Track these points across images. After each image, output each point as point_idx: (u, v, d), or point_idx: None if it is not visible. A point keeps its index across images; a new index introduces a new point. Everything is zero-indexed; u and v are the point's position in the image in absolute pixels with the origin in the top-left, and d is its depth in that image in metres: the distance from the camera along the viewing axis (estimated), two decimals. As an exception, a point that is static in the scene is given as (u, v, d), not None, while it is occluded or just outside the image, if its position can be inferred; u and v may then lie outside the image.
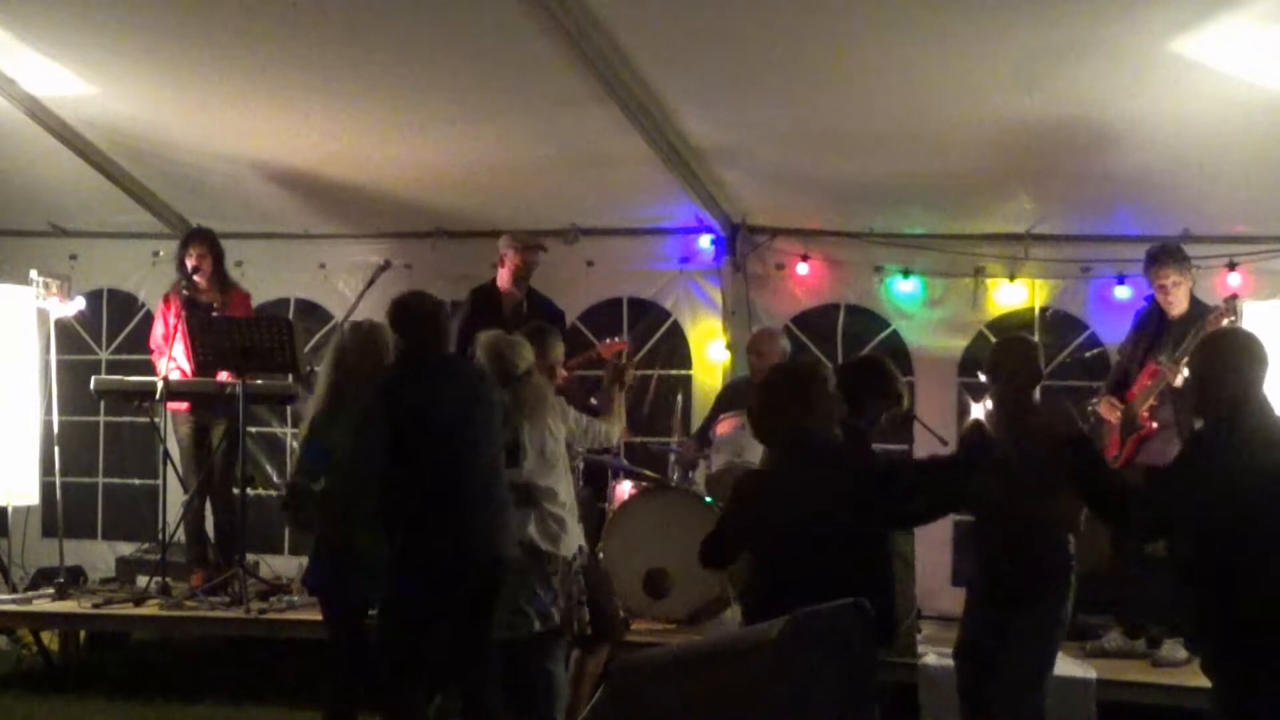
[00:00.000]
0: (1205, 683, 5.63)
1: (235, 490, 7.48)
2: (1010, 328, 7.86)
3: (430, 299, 5.42)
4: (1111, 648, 6.48)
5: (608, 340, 7.53)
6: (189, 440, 7.78)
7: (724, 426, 7.15)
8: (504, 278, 7.55)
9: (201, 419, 7.73)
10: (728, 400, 7.55)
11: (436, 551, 5.04)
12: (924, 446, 7.25)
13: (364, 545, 5.25)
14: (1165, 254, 6.61)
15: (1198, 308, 6.56)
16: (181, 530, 7.76)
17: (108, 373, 8.50)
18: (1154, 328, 6.70)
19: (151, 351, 7.90)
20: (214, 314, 7.64)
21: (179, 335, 7.57)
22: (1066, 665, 5.84)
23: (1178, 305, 6.57)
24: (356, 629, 5.44)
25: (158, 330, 7.83)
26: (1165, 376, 6.33)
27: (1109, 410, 6.65)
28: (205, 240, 7.80)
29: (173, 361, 7.57)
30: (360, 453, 5.16)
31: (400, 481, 5.07)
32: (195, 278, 7.70)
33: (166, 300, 7.85)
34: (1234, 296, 6.55)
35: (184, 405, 7.73)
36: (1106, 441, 6.63)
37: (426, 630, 5.07)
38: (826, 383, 4.79)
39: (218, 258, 7.81)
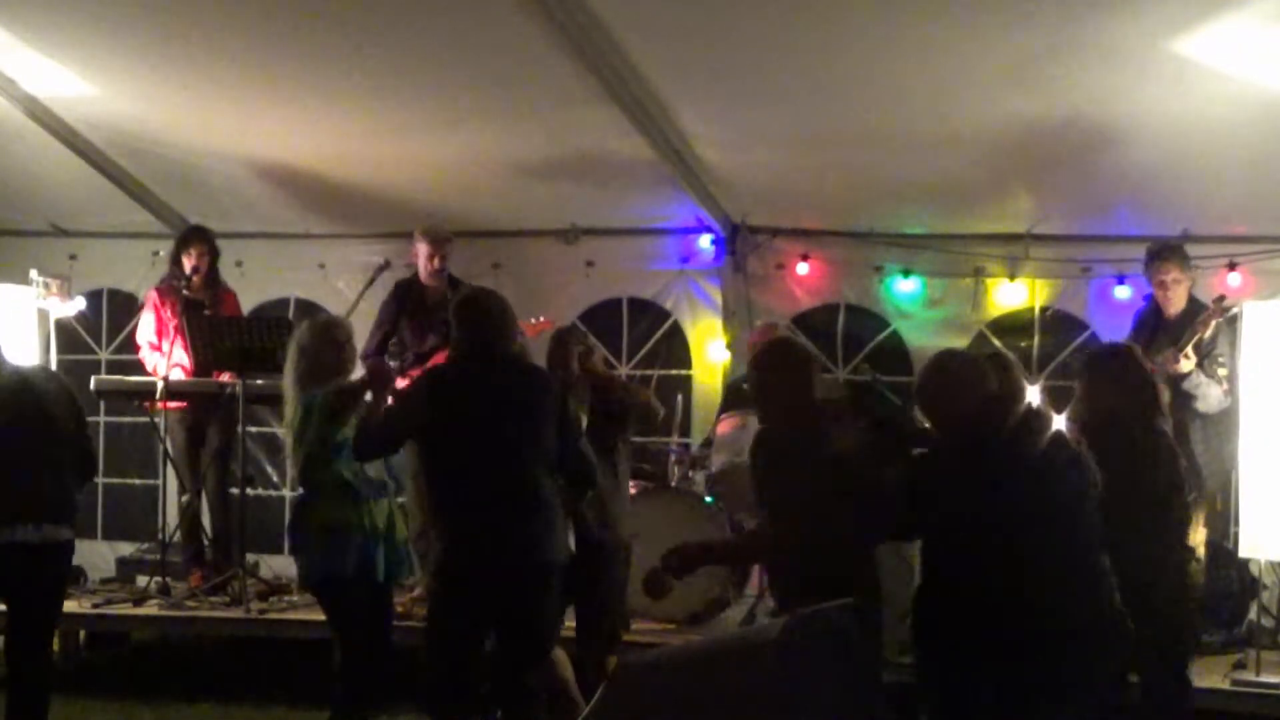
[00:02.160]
0: (1205, 683, 5.65)
1: (234, 490, 7.48)
2: (1010, 328, 7.88)
3: (497, 297, 5.33)
4: None
5: (532, 320, 7.25)
6: (183, 439, 7.76)
7: (724, 426, 7.15)
8: (421, 271, 7.46)
9: (196, 417, 7.72)
10: (729, 400, 7.55)
11: (471, 553, 4.95)
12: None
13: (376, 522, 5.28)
14: (1168, 250, 6.65)
15: (1195, 307, 6.58)
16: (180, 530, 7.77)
17: (108, 373, 8.49)
18: (1150, 327, 6.72)
19: (137, 347, 7.88)
20: (205, 313, 7.62)
21: (178, 335, 7.55)
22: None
23: (1176, 303, 6.59)
24: (371, 620, 5.39)
25: (148, 325, 7.78)
26: (1167, 366, 6.34)
27: None
28: (205, 240, 7.78)
29: (169, 361, 7.56)
30: (388, 419, 5.15)
31: (438, 478, 5.05)
32: (194, 278, 7.68)
33: (160, 296, 7.81)
34: (1222, 297, 6.56)
35: (181, 404, 7.72)
36: None
37: (468, 634, 4.98)
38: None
39: (215, 258, 7.80)
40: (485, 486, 4.94)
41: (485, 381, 5.06)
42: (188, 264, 7.68)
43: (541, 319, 7.31)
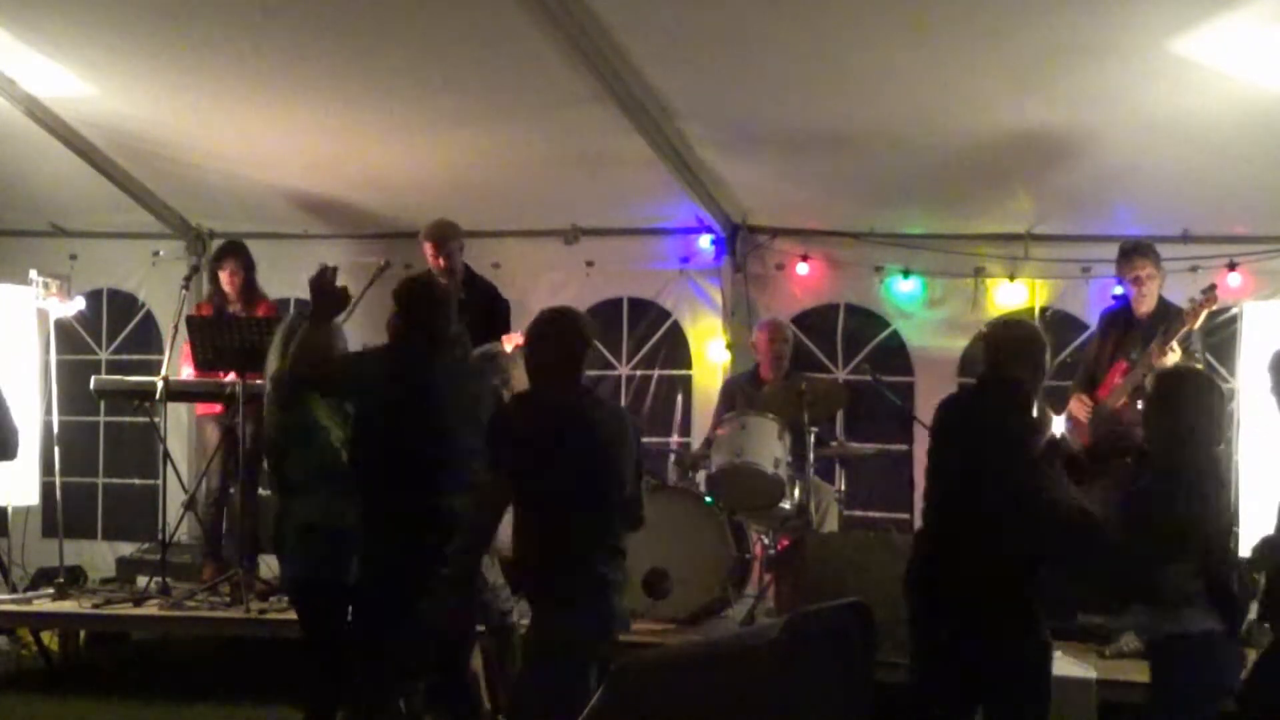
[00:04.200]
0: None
1: (232, 490, 7.48)
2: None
3: (440, 286, 5.46)
4: (1129, 650, 6.45)
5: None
6: (219, 440, 7.73)
7: (724, 428, 7.15)
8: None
9: (230, 421, 7.68)
10: (728, 401, 7.55)
11: (393, 538, 4.97)
12: (924, 447, 7.24)
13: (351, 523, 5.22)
14: (1143, 246, 6.66)
15: (1165, 306, 6.60)
16: (183, 530, 7.76)
17: (108, 373, 8.50)
18: (1121, 326, 6.74)
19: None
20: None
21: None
22: (1066, 665, 5.82)
23: (1148, 300, 6.60)
24: (340, 621, 5.34)
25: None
26: (1151, 361, 6.34)
27: (1079, 408, 6.67)
28: (239, 256, 7.77)
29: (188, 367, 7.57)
30: (344, 365, 5.18)
31: (366, 460, 5.04)
32: (227, 290, 7.69)
33: (199, 310, 7.84)
34: (1213, 286, 6.57)
35: (216, 408, 7.70)
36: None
37: (390, 621, 4.98)
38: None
39: (249, 270, 7.80)
40: (414, 471, 4.94)
41: (428, 368, 5.08)
42: (224, 279, 7.69)
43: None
